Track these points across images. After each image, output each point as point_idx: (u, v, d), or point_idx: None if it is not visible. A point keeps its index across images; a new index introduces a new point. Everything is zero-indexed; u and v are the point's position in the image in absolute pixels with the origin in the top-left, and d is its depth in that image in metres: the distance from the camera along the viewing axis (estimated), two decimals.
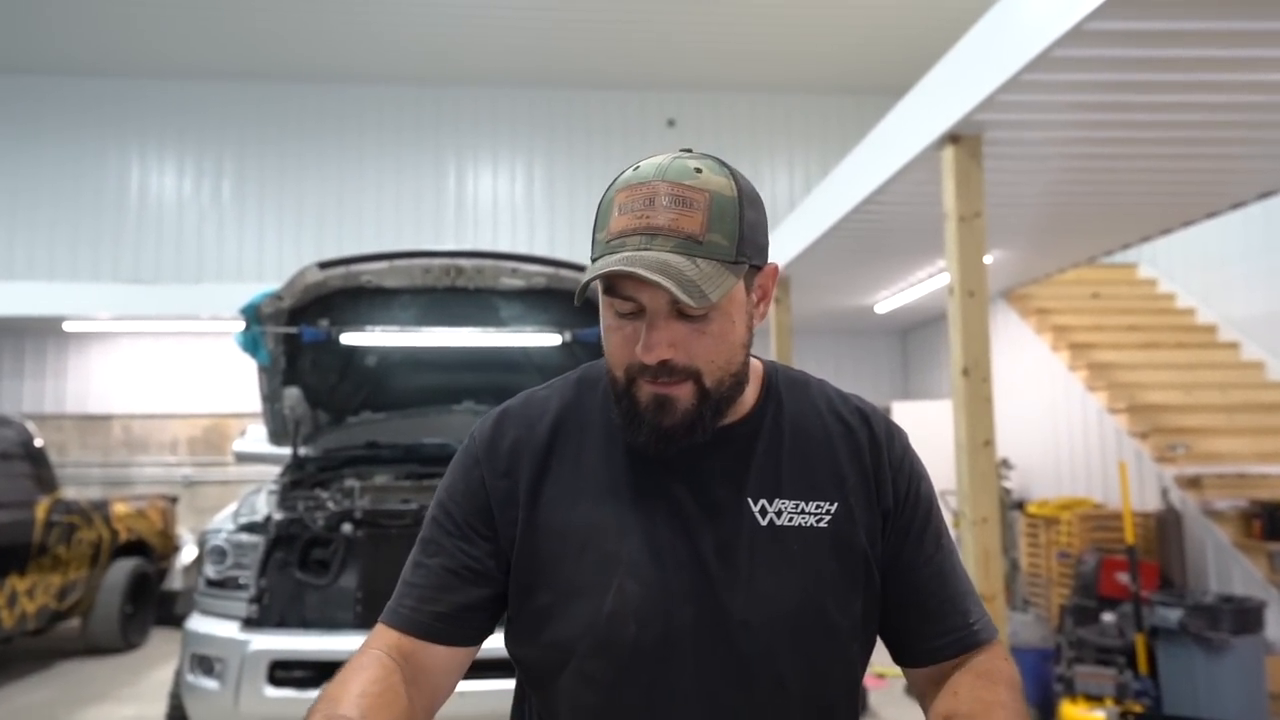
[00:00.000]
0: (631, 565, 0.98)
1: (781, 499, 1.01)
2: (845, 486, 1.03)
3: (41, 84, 10.39)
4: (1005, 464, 7.18)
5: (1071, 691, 4.58)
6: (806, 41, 9.81)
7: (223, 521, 3.89)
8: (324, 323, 4.17)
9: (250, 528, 3.74)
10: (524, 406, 1.09)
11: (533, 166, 10.98)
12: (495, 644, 1.05)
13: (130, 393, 10.06)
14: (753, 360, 1.09)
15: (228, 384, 9.82)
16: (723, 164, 0.96)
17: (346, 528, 3.68)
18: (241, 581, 3.60)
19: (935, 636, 1.03)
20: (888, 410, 8.90)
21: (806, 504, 1.01)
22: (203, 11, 9.14)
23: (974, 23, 4.07)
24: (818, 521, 1.01)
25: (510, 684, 1.14)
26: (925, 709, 1.05)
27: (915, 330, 10.54)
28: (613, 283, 0.92)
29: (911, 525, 1.05)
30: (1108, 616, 4.92)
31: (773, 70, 10.52)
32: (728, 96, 11.09)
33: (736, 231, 0.92)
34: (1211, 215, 5.72)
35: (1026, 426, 7.77)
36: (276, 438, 4.61)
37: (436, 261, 3.92)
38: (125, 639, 6.70)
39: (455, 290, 4.12)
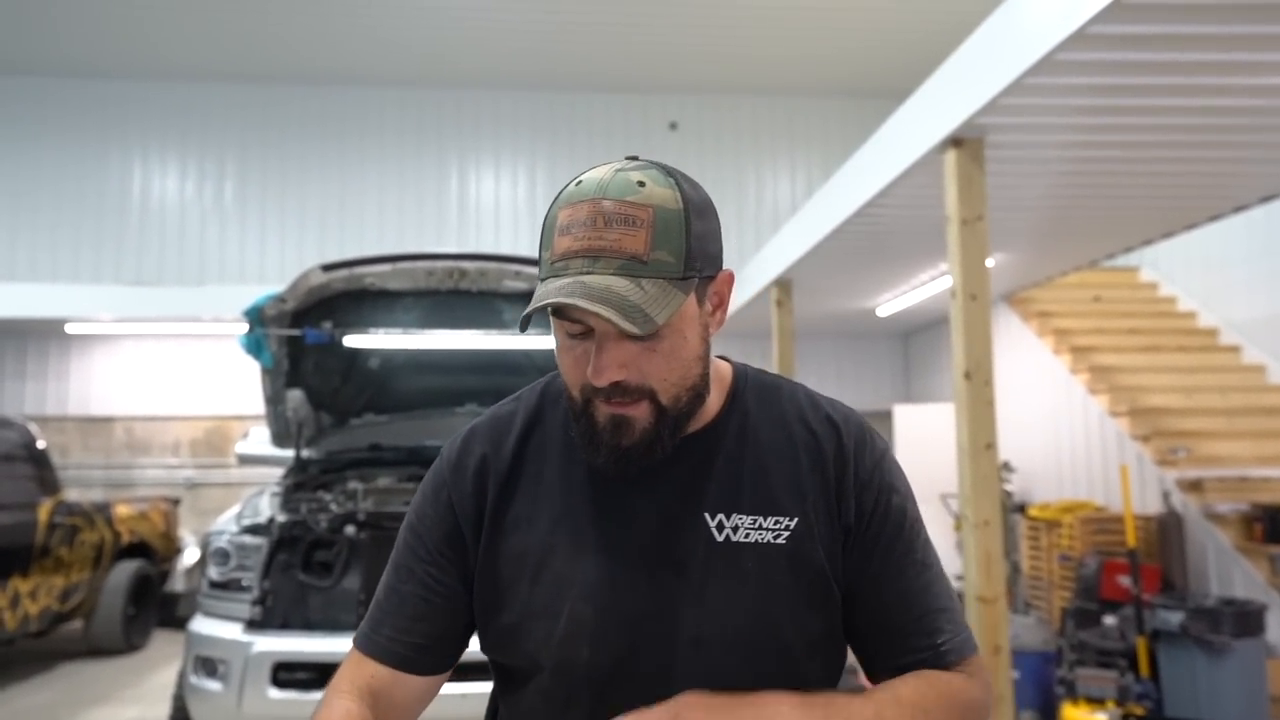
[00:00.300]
0: (584, 586, 0.98)
1: (740, 514, 0.99)
2: (806, 501, 1.00)
3: (44, 86, 10.41)
4: (1007, 467, 7.18)
5: (1073, 694, 4.58)
6: (808, 45, 9.83)
7: (226, 523, 3.90)
8: (327, 325, 4.18)
9: (253, 530, 3.74)
10: (491, 424, 1.09)
11: (535, 169, 11.00)
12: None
13: (132, 395, 10.07)
14: (722, 364, 1.08)
15: (230, 386, 9.84)
16: (669, 172, 0.93)
17: (349, 530, 3.69)
18: (245, 583, 3.60)
19: (899, 655, 1.00)
20: (887, 414, 8.92)
21: (765, 519, 0.99)
22: (205, 14, 9.16)
23: (977, 26, 4.07)
24: (775, 538, 0.98)
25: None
26: None
27: (917, 333, 10.55)
28: (559, 306, 0.89)
29: (877, 542, 1.00)
30: (1109, 619, 4.92)
31: (775, 73, 10.54)
32: (729, 99, 11.11)
33: (683, 247, 0.90)
34: (1214, 218, 5.73)
35: (1028, 429, 7.77)
36: (279, 440, 4.61)
37: (440, 264, 3.94)
38: (127, 641, 6.71)
39: (458, 293, 4.13)
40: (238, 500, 4.75)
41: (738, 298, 8.69)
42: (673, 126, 11.08)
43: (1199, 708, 4.33)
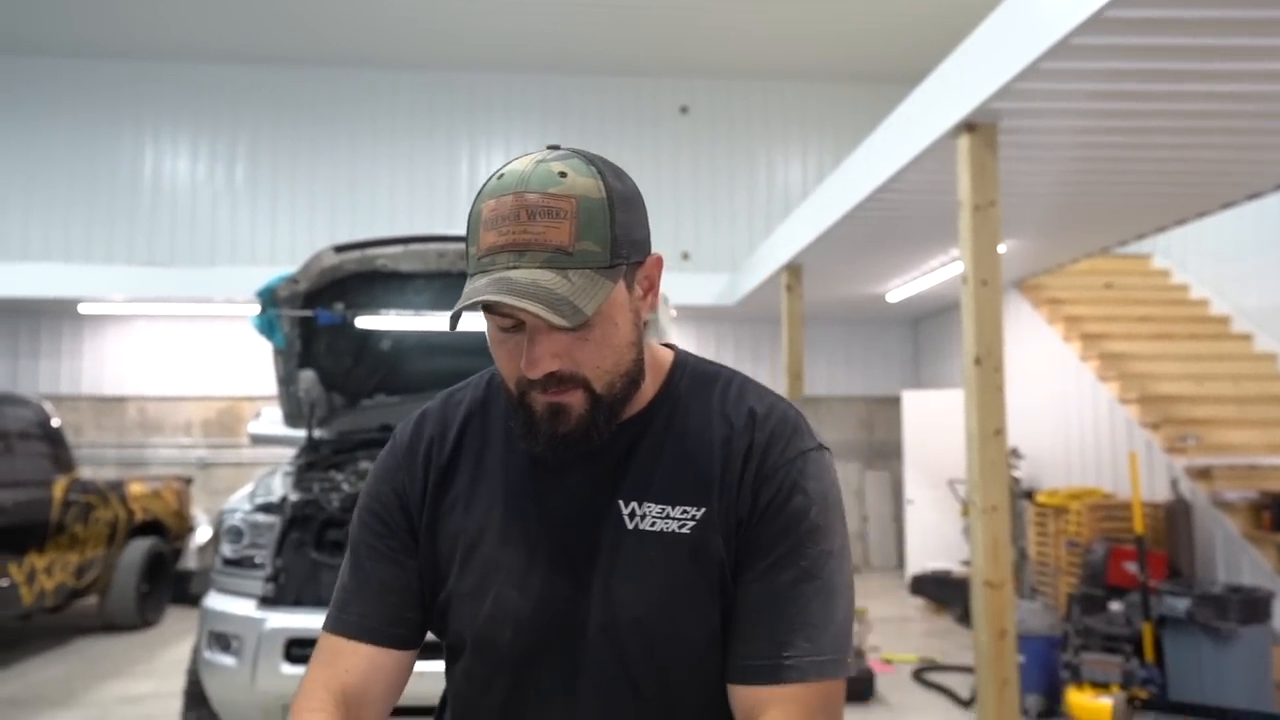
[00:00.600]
0: (509, 571, 1.00)
1: (650, 502, 1.00)
2: (714, 492, 0.99)
3: (57, 66, 10.43)
4: (1015, 453, 7.18)
5: (1078, 678, 4.61)
6: (820, 28, 9.76)
7: (239, 502, 3.94)
8: (339, 306, 4.20)
9: (266, 508, 3.78)
10: (442, 407, 1.12)
11: None
12: None
13: (145, 375, 10.14)
14: (663, 351, 1.09)
15: (242, 366, 9.89)
16: (590, 161, 0.93)
17: None
18: (258, 561, 3.64)
19: (744, 656, 0.96)
20: (896, 400, 8.89)
21: (673, 509, 0.99)
22: None
23: (991, 10, 4.04)
24: (680, 527, 0.98)
25: None
26: None
27: (927, 319, 10.53)
28: (488, 303, 0.89)
29: (761, 538, 0.97)
30: (1115, 605, 4.93)
31: (786, 57, 10.48)
32: (741, 84, 11.05)
33: (608, 235, 0.90)
34: (1227, 206, 5.69)
35: (1037, 416, 7.77)
36: (291, 420, 4.64)
37: (451, 246, 3.94)
38: (141, 616, 6.80)
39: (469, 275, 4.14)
40: (249, 480, 4.79)
41: (749, 281, 8.68)
42: (684, 110, 11.04)
43: (1203, 693, 4.35)
